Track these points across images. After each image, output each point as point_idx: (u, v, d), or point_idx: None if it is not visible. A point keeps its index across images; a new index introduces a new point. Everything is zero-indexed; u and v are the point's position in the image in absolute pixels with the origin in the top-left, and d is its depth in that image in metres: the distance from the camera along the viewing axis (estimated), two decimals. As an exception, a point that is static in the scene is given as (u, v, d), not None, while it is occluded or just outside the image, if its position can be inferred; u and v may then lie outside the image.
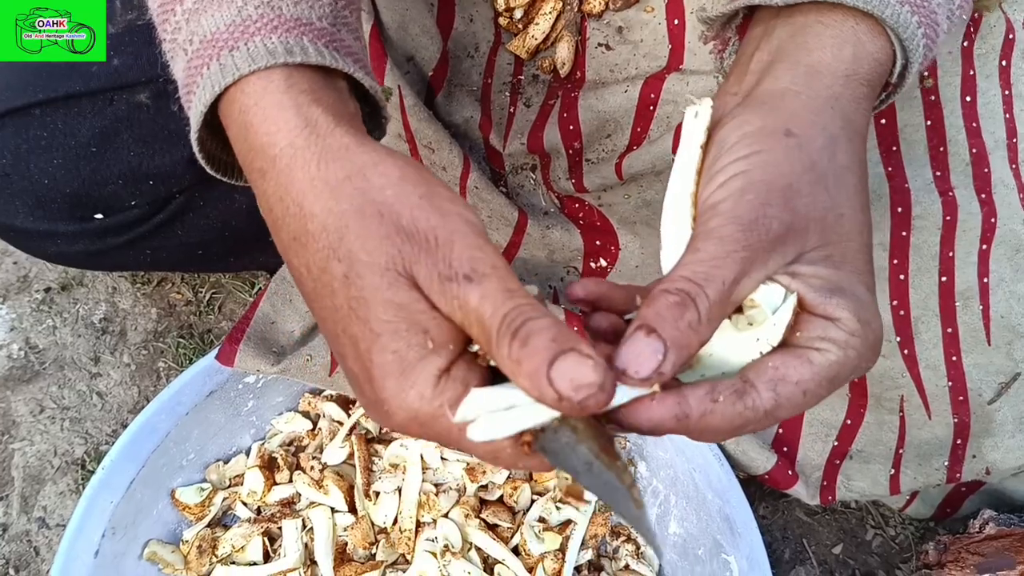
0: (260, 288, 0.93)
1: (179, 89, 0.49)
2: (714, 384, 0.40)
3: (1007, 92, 0.77)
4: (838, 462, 0.85)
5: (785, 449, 0.86)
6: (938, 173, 0.77)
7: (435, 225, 0.39)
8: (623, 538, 0.86)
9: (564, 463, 0.38)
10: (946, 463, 0.80)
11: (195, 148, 0.49)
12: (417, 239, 0.39)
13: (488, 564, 0.79)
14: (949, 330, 0.78)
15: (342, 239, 0.39)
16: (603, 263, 0.93)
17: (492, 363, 0.40)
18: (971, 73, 0.77)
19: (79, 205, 0.79)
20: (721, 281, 0.40)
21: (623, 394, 0.38)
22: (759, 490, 0.89)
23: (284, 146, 0.42)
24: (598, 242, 0.92)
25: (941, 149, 0.78)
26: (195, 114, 0.46)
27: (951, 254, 0.77)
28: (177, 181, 0.81)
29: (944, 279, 0.77)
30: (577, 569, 0.81)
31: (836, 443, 0.85)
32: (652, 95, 0.81)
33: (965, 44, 0.76)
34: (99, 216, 0.80)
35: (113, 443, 0.80)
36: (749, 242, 0.41)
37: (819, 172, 0.44)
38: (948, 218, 0.76)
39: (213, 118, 0.47)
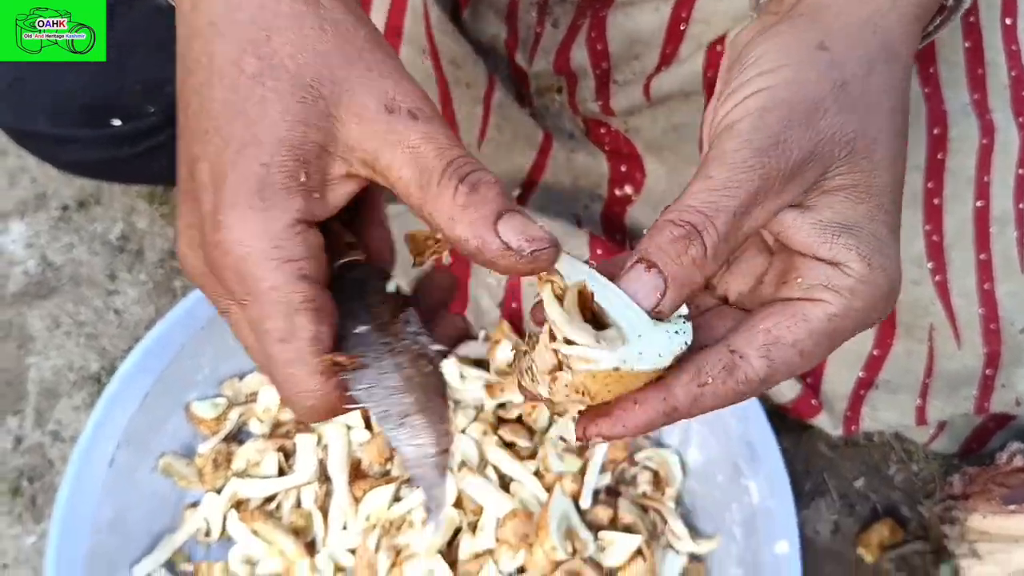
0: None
1: None
2: (699, 365, 0.37)
3: (1048, 15, 0.75)
4: (863, 392, 0.83)
5: (809, 380, 0.85)
6: (976, 96, 0.75)
7: (382, 58, 0.37)
8: (641, 466, 0.85)
9: (372, 401, 0.35)
10: (974, 393, 0.79)
11: None
12: (361, 63, 0.36)
13: (505, 482, 0.78)
14: (982, 257, 0.76)
15: (270, 38, 0.36)
16: (628, 190, 0.91)
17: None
18: (1011, -6, 0.75)
19: (97, 111, 0.78)
20: (732, 212, 0.37)
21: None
22: (782, 423, 0.87)
23: None
24: (623, 168, 0.90)
25: (980, 71, 0.75)
26: None
27: (987, 178, 0.75)
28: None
29: (979, 204, 0.75)
30: (595, 493, 0.80)
31: (862, 374, 0.83)
32: (683, 14, 0.79)
33: (1005, -35, 0.74)
34: (116, 123, 0.79)
35: (129, 359, 0.79)
36: (766, 169, 0.37)
37: (851, 93, 0.40)
38: (985, 141, 0.74)
39: None
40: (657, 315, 0.35)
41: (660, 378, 0.36)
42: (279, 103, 0.35)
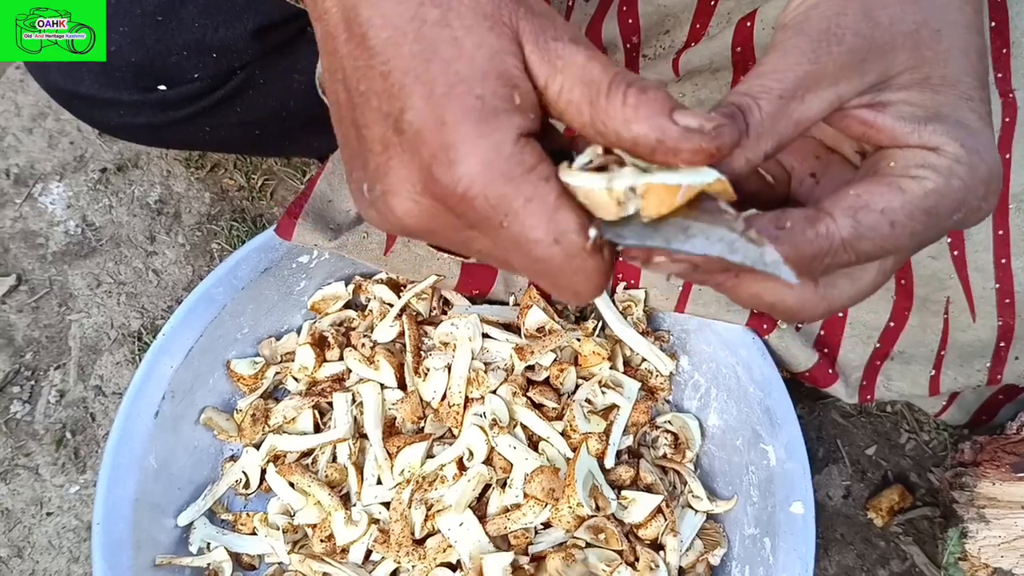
0: (311, 176, 0.94)
1: None
2: (783, 210, 0.36)
3: (1071, -5, 0.76)
4: (879, 363, 0.86)
5: (826, 350, 0.87)
6: (999, 75, 0.77)
7: (539, 2, 0.38)
8: (662, 430, 0.88)
9: (650, 238, 0.34)
10: (988, 364, 0.82)
11: None
12: (524, 2, 0.37)
13: (532, 442, 0.81)
14: (1000, 232, 0.78)
15: None
16: (654, 163, 0.93)
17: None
18: (1037, -26, 0.76)
19: (143, 75, 0.80)
20: (778, 94, 0.37)
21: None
22: (797, 391, 0.90)
23: None
24: (651, 141, 0.92)
25: (1004, 51, 0.77)
26: None
27: (1008, 156, 0.77)
28: (238, 56, 0.82)
29: (999, 181, 0.77)
30: (617, 454, 0.83)
31: (878, 345, 0.86)
32: (714, -10, 0.81)
33: (1030, -57, 0.75)
34: (162, 88, 0.82)
35: (168, 318, 0.82)
36: (817, 54, 0.38)
37: None
38: (1007, 120, 0.76)
39: None
40: None
41: None
42: (471, 38, 0.36)
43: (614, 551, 0.78)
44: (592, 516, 0.77)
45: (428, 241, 0.41)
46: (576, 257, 0.36)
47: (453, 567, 0.78)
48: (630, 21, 0.85)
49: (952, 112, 0.38)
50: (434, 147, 0.36)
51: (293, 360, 0.88)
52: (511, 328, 0.87)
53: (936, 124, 0.38)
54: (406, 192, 0.38)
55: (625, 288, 0.88)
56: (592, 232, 0.35)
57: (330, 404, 0.86)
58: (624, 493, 0.81)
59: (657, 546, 0.81)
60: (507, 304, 0.89)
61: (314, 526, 0.82)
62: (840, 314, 0.87)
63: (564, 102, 0.36)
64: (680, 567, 0.81)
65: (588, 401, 0.83)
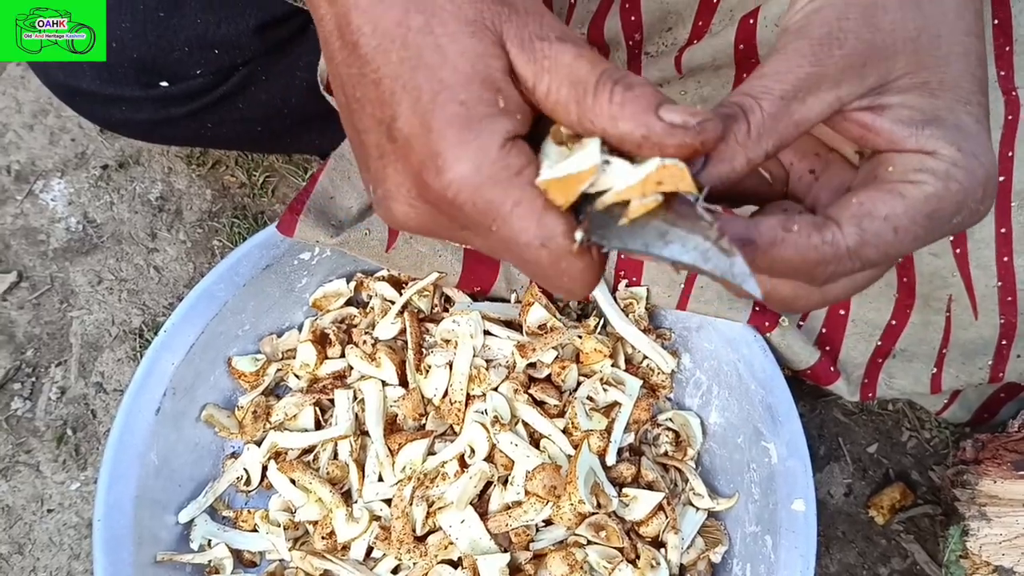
0: (313, 173, 0.94)
1: None
2: (790, 215, 0.37)
3: (1074, -7, 0.76)
4: (880, 360, 0.86)
5: (827, 348, 0.87)
6: (1002, 72, 0.77)
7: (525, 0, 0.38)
8: (663, 427, 0.88)
9: (632, 242, 0.35)
10: (990, 362, 0.82)
11: None
12: (508, 2, 0.38)
13: (534, 439, 0.81)
14: (1003, 230, 0.78)
15: None
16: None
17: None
18: (1039, -28, 0.76)
19: (145, 70, 0.80)
20: (779, 95, 0.37)
21: None
22: (798, 389, 0.90)
23: None
24: (652, 139, 0.92)
25: (1007, 48, 0.77)
26: None
27: (1010, 154, 0.77)
28: (241, 52, 0.82)
29: (1002, 179, 0.77)
30: (618, 451, 0.83)
31: (880, 343, 0.86)
32: (716, -13, 0.81)
33: (1032, -60, 0.75)
34: (164, 84, 0.82)
35: (169, 315, 0.82)
36: (818, 57, 0.38)
37: None
38: (1010, 117, 0.76)
39: None
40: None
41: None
42: (454, 44, 0.36)
43: (615, 548, 0.78)
44: (593, 513, 0.77)
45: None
46: (563, 259, 0.36)
47: (454, 564, 0.78)
48: (632, 18, 0.85)
49: (949, 116, 0.39)
50: (422, 155, 0.36)
51: (294, 357, 0.88)
52: (513, 325, 0.87)
53: (933, 128, 0.38)
54: (402, 197, 0.39)
55: (627, 286, 0.88)
56: (579, 235, 0.36)
57: (331, 401, 0.86)
58: (625, 491, 0.81)
59: (658, 544, 0.81)
60: (509, 301, 0.89)
61: (315, 523, 0.82)
62: (842, 312, 0.87)
63: (552, 102, 0.37)
64: (681, 565, 0.81)
65: (590, 398, 0.83)
